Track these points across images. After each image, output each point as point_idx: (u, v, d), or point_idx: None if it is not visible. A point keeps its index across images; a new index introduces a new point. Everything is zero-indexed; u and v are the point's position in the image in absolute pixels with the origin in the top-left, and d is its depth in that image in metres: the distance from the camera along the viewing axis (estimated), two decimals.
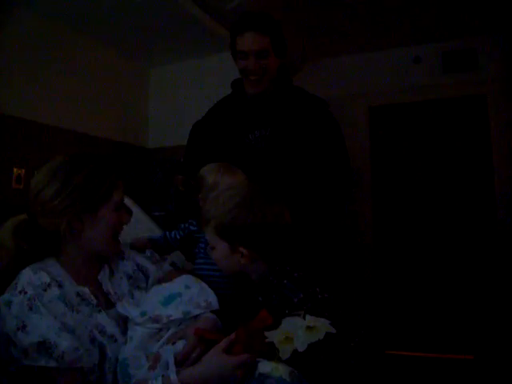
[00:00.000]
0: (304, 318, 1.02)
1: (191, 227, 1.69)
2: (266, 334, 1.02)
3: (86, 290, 1.26)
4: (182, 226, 1.71)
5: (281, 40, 1.95)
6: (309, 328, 0.99)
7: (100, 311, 1.25)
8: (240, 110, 2.06)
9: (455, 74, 3.95)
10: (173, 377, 1.08)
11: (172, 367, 1.12)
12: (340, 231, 2.16)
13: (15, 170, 2.81)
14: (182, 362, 1.16)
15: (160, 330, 1.24)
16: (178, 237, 1.71)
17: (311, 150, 1.88)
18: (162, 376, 1.10)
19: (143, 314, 1.25)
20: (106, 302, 1.31)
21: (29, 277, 1.18)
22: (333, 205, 1.93)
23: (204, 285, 1.36)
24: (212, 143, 2.03)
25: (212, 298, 1.32)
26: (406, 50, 4.10)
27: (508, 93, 3.73)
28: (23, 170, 2.83)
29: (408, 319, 3.86)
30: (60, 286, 1.21)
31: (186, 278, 1.37)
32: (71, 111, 3.26)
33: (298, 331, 0.98)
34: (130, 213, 1.39)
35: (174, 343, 1.20)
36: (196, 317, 1.26)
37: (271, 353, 1.03)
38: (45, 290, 1.17)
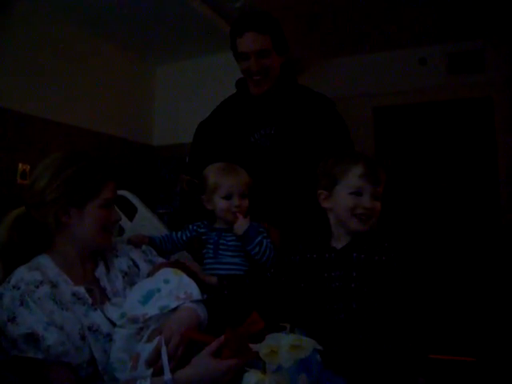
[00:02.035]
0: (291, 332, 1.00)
1: (200, 230, 1.69)
2: (252, 346, 1.00)
3: (82, 289, 1.27)
4: (190, 227, 1.71)
5: (281, 38, 1.93)
6: (293, 347, 0.96)
7: (96, 310, 1.26)
8: (245, 109, 2.05)
9: (461, 75, 3.94)
10: (167, 378, 1.08)
11: (167, 369, 1.10)
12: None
13: (20, 165, 2.82)
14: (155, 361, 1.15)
15: (141, 329, 1.22)
16: (184, 238, 1.71)
17: (317, 148, 1.87)
18: (151, 377, 1.10)
19: (123, 315, 1.24)
20: (104, 298, 1.32)
21: (23, 274, 1.22)
22: None
23: (185, 277, 1.33)
24: (217, 143, 2.03)
25: (193, 289, 1.29)
26: (411, 51, 4.09)
27: None
28: (28, 166, 2.84)
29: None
30: (54, 286, 1.23)
31: (165, 272, 1.35)
32: (77, 108, 3.27)
33: (282, 349, 0.96)
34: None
35: (151, 340, 1.19)
36: (176, 309, 1.24)
37: (261, 359, 1.00)
38: (36, 287, 1.19)
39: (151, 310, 1.23)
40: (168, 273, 1.34)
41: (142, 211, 2.02)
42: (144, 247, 1.56)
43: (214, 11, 3.17)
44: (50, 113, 3.07)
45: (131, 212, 2.03)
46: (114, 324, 1.24)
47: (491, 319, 3.56)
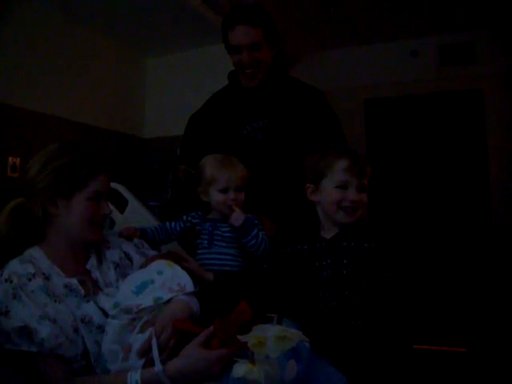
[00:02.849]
0: (278, 323, 1.02)
1: (194, 220, 1.69)
2: (239, 337, 1.00)
3: (74, 280, 1.27)
4: (184, 218, 1.70)
5: (273, 30, 1.93)
6: (279, 338, 0.97)
7: (88, 301, 1.26)
8: (237, 102, 2.05)
9: (452, 67, 3.95)
10: (158, 369, 1.09)
11: (157, 360, 1.11)
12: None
13: (10, 158, 2.81)
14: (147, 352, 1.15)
15: (133, 319, 1.22)
16: (178, 228, 1.70)
17: (309, 140, 1.87)
18: (142, 368, 1.11)
19: (116, 305, 1.23)
20: (96, 290, 1.31)
21: (15, 267, 1.21)
22: None
23: (178, 268, 1.33)
24: (209, 136, 2.02)
25: (186, 281, 1.29)
26: (402, 43, 4.10)
27: (505, 87, 3.74)
28: (18, 159, 2.83)
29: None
30: (47, 278, 1.23)
31: (158, 264, 1.35)
32: (68, 101, 3.25)
33: (268, 341, 0.97)
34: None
35: (144, 332, 1.19)
36: (169, 301, 1.24)
37: (249, 349, 1.01)
38: (29, 280, 1.19)
39: (145, 300, 1.23)
40: (162, 264, 1.34)
41: (133, 204, 2.02)
42: (136, 240, 1.56)
43: (204, 3, 3.15)
44: (40, 106, 3.04)
45: (122, 204, 2.02)
46: (106, 315, 1.24)
47: (482, 310, 3.59)
